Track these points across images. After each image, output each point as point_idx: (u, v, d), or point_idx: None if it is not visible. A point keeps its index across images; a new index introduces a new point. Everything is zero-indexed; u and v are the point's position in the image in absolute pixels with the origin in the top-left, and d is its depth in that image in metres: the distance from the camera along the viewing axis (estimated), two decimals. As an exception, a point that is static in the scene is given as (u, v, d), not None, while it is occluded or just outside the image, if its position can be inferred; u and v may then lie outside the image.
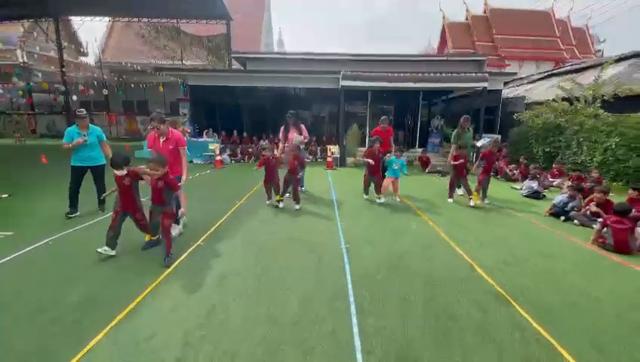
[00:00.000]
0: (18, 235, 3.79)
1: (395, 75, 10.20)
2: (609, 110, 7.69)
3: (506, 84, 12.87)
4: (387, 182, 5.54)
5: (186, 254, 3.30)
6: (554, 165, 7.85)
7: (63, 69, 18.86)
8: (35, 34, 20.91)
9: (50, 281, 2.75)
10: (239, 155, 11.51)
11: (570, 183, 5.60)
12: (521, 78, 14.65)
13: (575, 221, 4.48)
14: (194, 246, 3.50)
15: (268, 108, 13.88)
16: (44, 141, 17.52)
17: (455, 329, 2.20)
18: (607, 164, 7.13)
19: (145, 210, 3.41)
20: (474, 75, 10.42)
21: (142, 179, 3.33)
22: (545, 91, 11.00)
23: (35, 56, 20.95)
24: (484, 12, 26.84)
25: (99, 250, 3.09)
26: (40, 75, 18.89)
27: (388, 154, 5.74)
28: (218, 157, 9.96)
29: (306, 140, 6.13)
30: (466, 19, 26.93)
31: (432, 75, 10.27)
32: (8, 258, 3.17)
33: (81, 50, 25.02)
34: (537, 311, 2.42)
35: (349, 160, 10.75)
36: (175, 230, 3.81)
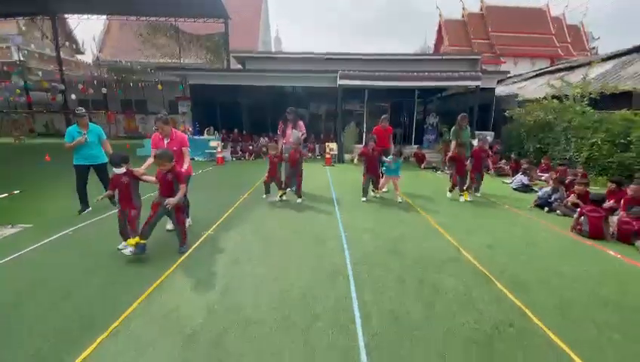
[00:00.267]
0: (37, 227, 4.06)
1: (392, 73, 10.49)
2: (596, 107, 8.03)
3: (499, 82, 13.21)
4: (385, 181, 5.81)
5: (198, 242, 3.60)
6: (542, 160, 8.20)
7: (62, 68, 18.97)
8: (30, 32, 20.97)
9: (76, 266, 3.03)
10: (239, 153, 11.77)
11: (555, 176, 5.94)
12: (514, 76, 14.99)
13: (557, 211, 4.82)
14: (205, 235, 3.80)
15: (267, 107, 14.10)
16: (43, 140, 17.62)
17: (442, 300, 2.52)
18: (594, 159, 7.47)
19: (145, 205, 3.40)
20: (468, 73, 10.74)
21: (142, 180, 3.34)
22: (536, 89, 11.33)
23: (31, 54, 21.02)
24: (481, 9, 27.13)
25: (122, 250, 3.18)
26: (40, 73, 18.93)
27: (388, 159, 5.62)
28: (219, 155, 10.22)
29: (303, 136, 6.39)
30: (463, 16, 27.21)
31: (427, 73, 10.58)
32: (32, 247, 3.45)
33: (77, 47, 25.04)
34: (514, 286, 2.74)
35: (347, 156, 11.05)
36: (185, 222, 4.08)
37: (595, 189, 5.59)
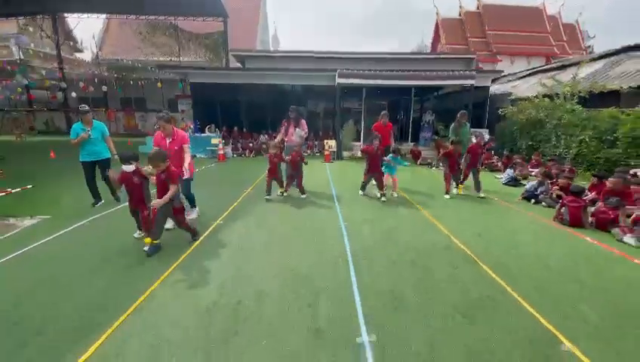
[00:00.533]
0: (55, 218, 4.32)
1: (389, 72, 10.77)
2: (585, 105, 8.35)
3: (494, 80, 13.52)
4: (385, 179, 6.04)
5: (209, 230, 3.88)
6: (533, 156, 8.53)
7: (62, 66, 19.08)
8: (31, 29, 21.02)
9: (98, 251, 3.30)
10: (240, 150, 12.03)
11: (544, 170, 6.25)
12: (508, 75, 15.30)
13: (543, 203, 5.14)
14: (215, 225, 4.08)
15: (266, 105, 14.36)
16: (43, 138, 17.76)
17: (432, 279, 2.82)
18: (582, 155, 7.80)
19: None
20: (463, 72, 11.03)
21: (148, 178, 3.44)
22: (529, 88, 11.65)
23: (31, 52, 21.08)
24: (477, 8, 27.39)
25: (138, 238, 3.49)
26: (44, 72, 19.03)
27: (387, 158, 5.75)
28: (221, 152, 10.48)
29: (305, 135, 6.63)
30: (460, 15, 27.47)
31: (423, 72, 10.86)
32: (56, 234, 3.72)
33: (76, 45, 25.09)
34: (497, 267, 3.05)
35: (346, 153, 11.34)
36: (193, 213, 4.36)
37: (582, 184, 5.91)
